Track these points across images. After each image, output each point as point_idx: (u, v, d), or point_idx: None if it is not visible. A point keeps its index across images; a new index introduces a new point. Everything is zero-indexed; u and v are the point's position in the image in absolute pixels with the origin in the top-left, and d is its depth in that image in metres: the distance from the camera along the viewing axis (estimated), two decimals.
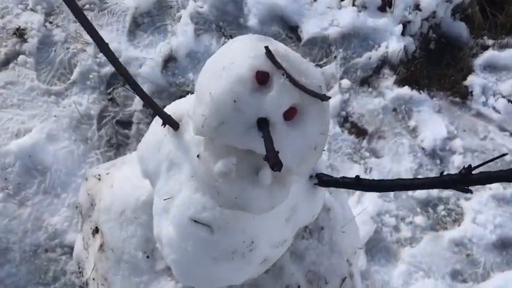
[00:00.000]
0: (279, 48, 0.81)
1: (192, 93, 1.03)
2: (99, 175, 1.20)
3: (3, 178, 1.77)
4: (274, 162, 0.69)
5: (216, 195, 0.85)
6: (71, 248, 1.71)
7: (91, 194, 1.20)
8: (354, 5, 2.52)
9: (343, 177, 1.00)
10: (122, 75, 0.88)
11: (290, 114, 0.82)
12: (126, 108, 2.08)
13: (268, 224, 0.95)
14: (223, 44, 2.33)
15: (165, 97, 2.15)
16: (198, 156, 0.86)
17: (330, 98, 0.84)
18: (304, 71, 0.82)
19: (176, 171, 0.96)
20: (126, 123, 2.05)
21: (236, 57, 0.80)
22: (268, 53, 0.79)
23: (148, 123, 2.05)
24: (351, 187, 1.00)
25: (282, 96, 0.79)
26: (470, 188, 0.87)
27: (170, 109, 1.00)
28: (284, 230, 1.00)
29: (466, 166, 0.86)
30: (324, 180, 1.03)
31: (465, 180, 0.86)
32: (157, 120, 1.02)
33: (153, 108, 0.96)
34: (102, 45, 0.83)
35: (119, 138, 2.00)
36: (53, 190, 1.80)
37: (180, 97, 2.13)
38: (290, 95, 0.80)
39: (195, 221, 0.91)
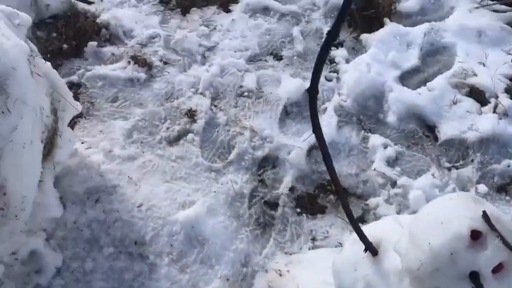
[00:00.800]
0: (493, 211, 0.94)
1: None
2: (279, 270, 1.37)
3: (170, 244, 2.03)
4: None
5: None
6: None
7: (271, 287, 1.37)
8: (494, 112, 2.58)
9: None
10: (345, 209, 1.06)
11: (497, 269, 0.93)
12: (274, 190, 2.29)
13: None
14: (362, 137, 2.50)
15: (307, 183, 2.34)
16: None
17: None
18: None
19: None
20: (272, 205, 2.25)
21: (454, 215, 0.94)
22: (485, 216, 0.92)
23: (293, 208, 2.25)
24: None
25: (495, 255, 0.91)
26: None
27: (367, 233, 1.16)
28: None
29: None
30: None
31: None
32: (355, 242, 1.17)
33: (360, 235, 1.12)
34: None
35: (266, 218, 2.20)
36: (208, 261, 2.03)
37: (321, 185, 2.31)
38: (501, 254, 0.92)
39: None
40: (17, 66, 1.51)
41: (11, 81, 1.49)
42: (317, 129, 0.87)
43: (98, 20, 2.72)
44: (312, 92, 0.85)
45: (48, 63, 1.91)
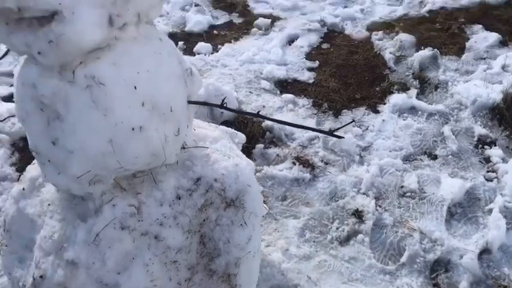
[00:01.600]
0: None
1: None
2: None
3: None
4: None
5: None
6: None
7: None
8: None
9: None
10: None
11: None
12: None
13: None
14: None
15: None
16: None
17: None
18: None
19: None
20: None
21: None
22: None
23: None
24: None
25: None
26: None
27: None
28: None
29: None
30: None
31: None
32: None
33: None
34: None
35: None
36: None
37: None
38: None
39: None
40: (250, 183, 1.73)
41: (247, 197, 1.71)
42: None
43: (262, 124, 3.01)
44: None
45: None
